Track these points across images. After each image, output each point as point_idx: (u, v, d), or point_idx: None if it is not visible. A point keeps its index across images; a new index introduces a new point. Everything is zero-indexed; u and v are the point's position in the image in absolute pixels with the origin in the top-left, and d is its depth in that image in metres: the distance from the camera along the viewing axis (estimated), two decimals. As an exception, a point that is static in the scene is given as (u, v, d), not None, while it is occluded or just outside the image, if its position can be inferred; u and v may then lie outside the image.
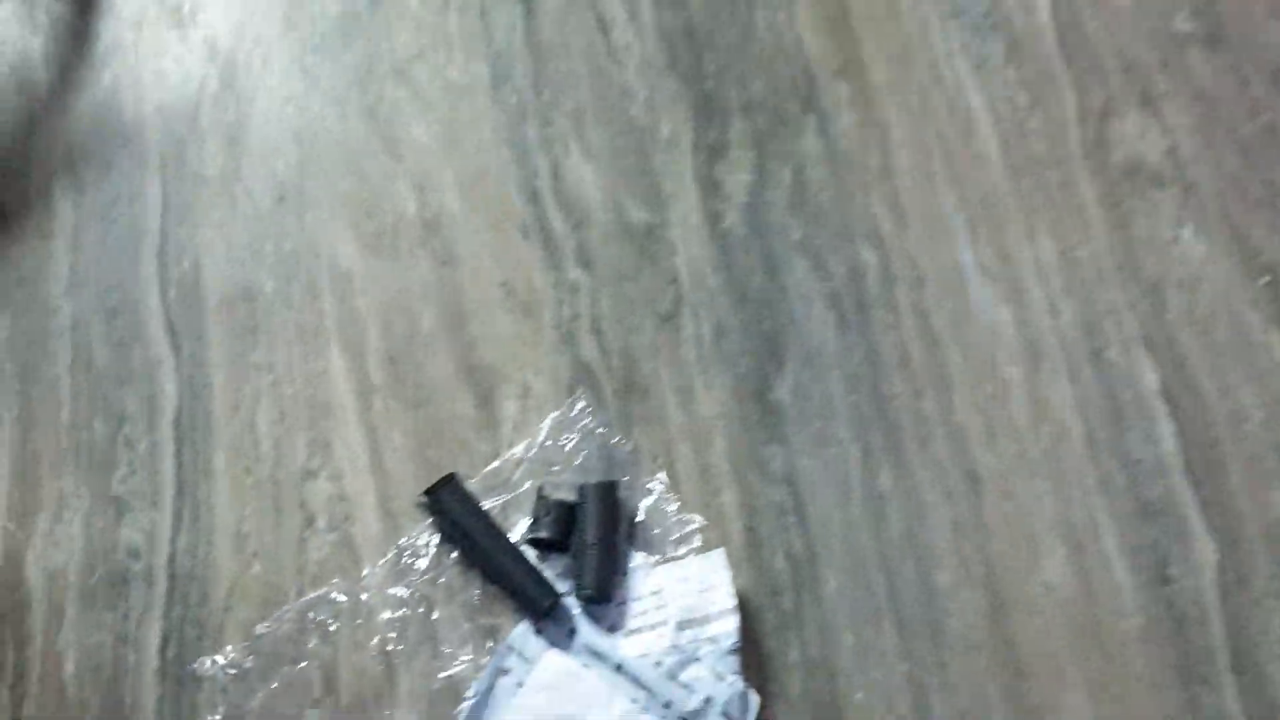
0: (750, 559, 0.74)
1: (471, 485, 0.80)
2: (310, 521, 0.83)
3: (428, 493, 0.80)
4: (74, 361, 0.93)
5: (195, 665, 0.81)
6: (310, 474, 0.84)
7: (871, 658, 0.70)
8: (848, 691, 0.70)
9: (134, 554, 0.86)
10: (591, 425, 0.80)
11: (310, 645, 0.79)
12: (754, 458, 0.76)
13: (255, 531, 0.84)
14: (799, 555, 0.73)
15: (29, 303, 0.96)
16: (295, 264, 0.90)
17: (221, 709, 0.80)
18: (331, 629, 0.80)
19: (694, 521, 0.76)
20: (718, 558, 0.74)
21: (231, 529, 0.85)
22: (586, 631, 0.75)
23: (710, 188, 0.82)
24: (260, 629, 0.81)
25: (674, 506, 0.76)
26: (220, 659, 0.81)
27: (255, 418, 0.87)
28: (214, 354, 0.90)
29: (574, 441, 0.80)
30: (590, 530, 0.75)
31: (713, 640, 0.72)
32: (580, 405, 0.80)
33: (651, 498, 0.77)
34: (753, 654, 0.72)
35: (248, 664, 0.80)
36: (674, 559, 0.75)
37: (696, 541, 0.75)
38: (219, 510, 0.86)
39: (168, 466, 0.88)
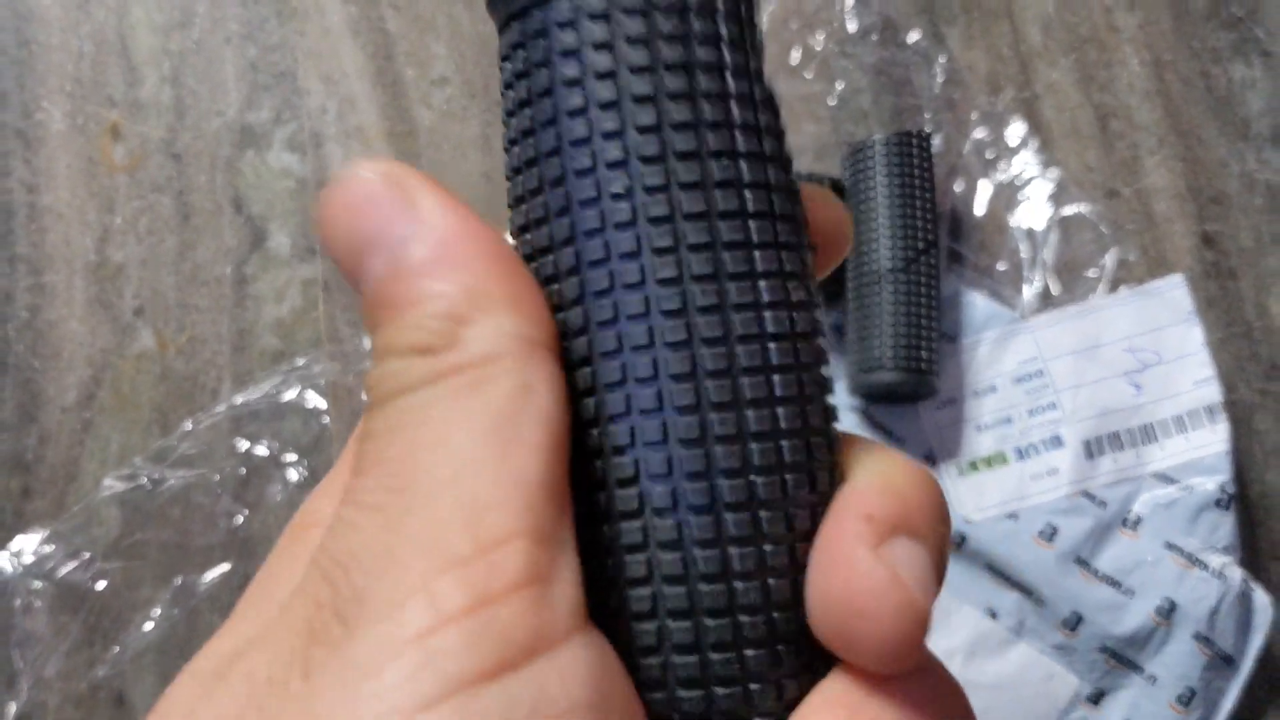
0: (1222, 301, 0.45)
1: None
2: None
3: None
4: None
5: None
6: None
7: None
8: None
9: None
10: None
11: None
12: (1205, 80, 0.47)
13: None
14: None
15: None
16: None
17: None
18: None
19: (1085, 218, 0.46)
20: (1173, 295, 0.45)
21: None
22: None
23: None
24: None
25: (1041, 172, 0.46)
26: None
27: None
28: None
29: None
30: (878, 231, 0.42)
31: (1171, 480, 0.43)
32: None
33: (1006, 168, 0.46)
34: (1258, 510, 0.43)
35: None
36: (1062, 302, 0.46)
37: (1108, 260, 0.45)
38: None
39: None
